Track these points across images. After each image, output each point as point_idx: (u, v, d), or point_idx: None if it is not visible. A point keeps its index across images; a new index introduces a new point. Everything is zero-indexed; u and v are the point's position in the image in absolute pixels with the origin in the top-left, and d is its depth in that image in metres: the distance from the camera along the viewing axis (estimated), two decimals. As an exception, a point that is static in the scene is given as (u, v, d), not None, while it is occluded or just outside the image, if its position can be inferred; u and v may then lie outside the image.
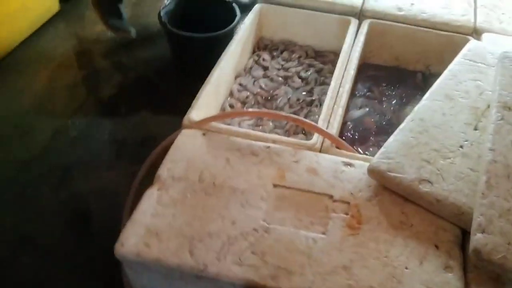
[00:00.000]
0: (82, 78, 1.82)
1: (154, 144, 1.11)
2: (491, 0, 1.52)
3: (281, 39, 1.62)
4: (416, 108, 1.04)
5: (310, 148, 1.03)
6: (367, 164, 0.95)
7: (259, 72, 1.51)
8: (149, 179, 0.98)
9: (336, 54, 1.57)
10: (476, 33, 1.40)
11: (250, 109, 1.25)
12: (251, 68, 1.52)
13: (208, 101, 1.24)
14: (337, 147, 1.04)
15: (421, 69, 1.51)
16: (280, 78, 1.49)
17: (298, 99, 1.42)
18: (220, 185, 0.93)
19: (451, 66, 1.16)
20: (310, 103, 1.39)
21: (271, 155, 1.00)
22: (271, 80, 1.49)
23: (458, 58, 1.18)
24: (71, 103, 1.71)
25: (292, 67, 1.53)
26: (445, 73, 1.14)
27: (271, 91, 1.45)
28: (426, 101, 1.05)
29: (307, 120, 1.04)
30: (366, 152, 1.24)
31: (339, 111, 1.14)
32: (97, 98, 1.74)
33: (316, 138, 1.05)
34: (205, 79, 1.23)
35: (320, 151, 1.04)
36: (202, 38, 1.60)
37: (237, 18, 1.69)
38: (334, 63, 1.54)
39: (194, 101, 1.18)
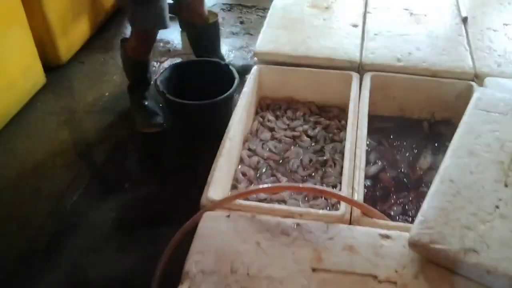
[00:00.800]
0: (78, 155, 1.76)
1: (166, 221, 1.06)
2: (484, 42, 1.55)
3: (283, 97, 1.61)
4: (442, 168, 1.02)
5: (340, 220, 0.99)
6: (405, 234, 0.91)
7: (266, 134, 1.48)
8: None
9: (340, 108, 1.57)
10: (477, 77, 1.41)
11: (271, 185, 1.21)
12: (257, 130, 1.50)
13: (222, 174, 1.20)
14: (368, 215, 1.01)
15: (426, 117, 1.51)
16: (288, 139, 1.46)
17: (310, 160, 1.39)
18: (255, 275, 0.87)
19: (465, 118, 1.15)
20: (324, 163, 1.37)
21: (303, 233, 0.95)
22: (280, 141, 1.46)
23: (470, 109, 1.18)
24: (69, 183, 1.63)
25: (299, 125, 1.51)
26: (462, 126, 1.13)
27: (281, 154, 1.42)
28: (451, 159, 1.03)
29: (333, 191, 1.01)
30: (391, 212, 1.21)
31: (361, 175, 1.11)
32: (97, 175, 1.68)
33: (344, 208, 1.01)
34: (208, 145, 1.19)
35: (350, 222, 1.00)
36: (203, 105, 1.57)
37: (236, 81, 1.67)
38: (339, 118, 1.54)
39: (209, 177, 1.14)
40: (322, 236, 0.94)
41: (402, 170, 1.35)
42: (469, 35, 1.58)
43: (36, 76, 2.09)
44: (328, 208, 1.15)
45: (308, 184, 1.07)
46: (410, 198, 1.26)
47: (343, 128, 1.49)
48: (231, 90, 1.63)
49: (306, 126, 1.50)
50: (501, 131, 1.10)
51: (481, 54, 1.48)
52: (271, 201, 1.22)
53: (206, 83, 1.69)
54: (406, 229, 0.94)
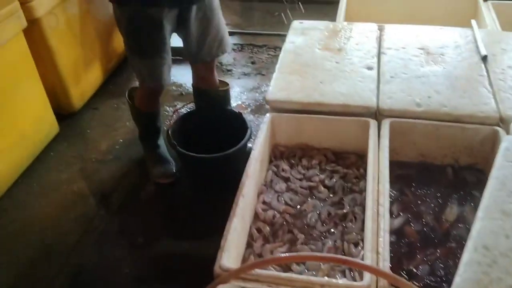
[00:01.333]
0: (91, 207, 1.72)
1: (179, 280, 1.00)
2: (507, 82, 1.48)
3: (297, 144, 1.55)
4: (474, 232, 0.94)
5: (364, 292, 0.92)
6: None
7: (281, 185, 1.42)
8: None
9: (358, 155, 1.51)
10: (503, 122, 1.34)
11: (290, 254, 1.12)
12: (271, 181, 1.44)
13: (235, 236, 1.14)
14: (395, 286, 0.93)
15: (450, 162, 1.43)
16: (305, 190, 1.40)
17: (329, 213, 1.32)
18: None
19: (495, 173, 1.08)
20: (344, 217, 1.30)
21: (325, 307, 0.88)
22: (295, 193, 1.40)
23: (499, 161, 1.10)
24: (83, 237, 1.60)
25: (315, 175, 1.44)
26: (492, 181, 1.06)
27: (298, 207, 1.35)
28: (483, 221, 0.95)
29: (356, 261, 0.94)
30: (418, 272, 1.13)
31: (386, 238, 1.04)
32: (109, 229, 1.63)
33: (369, 278, 0.94)
34: (222, 195, 1.13)
35: (377, 293, 0.93)
36: (216, 158, 1.52)
37: (249, 131, 1.63)
38: (357, 166, 1.47)
39: (222, 240, 1.08)
40: (346, 311, 0.87)
41: (428, 223, 1.27)
42: (490, 75, 1.52)
43: (48, 126, 2.09)
44: (352, 273, 1.08)
45: (330, 254, 0.99)
46: (438, 255, 1.18)
47: (362, 177, 1.43)
48: (243, 142, 1.58)
49: (322, 176, 1.44)
50: (534, 185, 1.03)
51: (505, 96, 1.41)
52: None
53: (219, 131, 1.65)
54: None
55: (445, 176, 1.42)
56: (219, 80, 1.98)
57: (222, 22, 1.80)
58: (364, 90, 1.50)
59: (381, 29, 1.86)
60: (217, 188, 1.17)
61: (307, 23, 1.92)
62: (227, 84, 1.99)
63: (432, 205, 1.32)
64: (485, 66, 1.56)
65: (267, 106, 1.54)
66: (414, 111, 1.41)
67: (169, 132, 1.60)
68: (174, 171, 1.83)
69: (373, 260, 0.99)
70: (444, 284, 1.11)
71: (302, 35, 1.84)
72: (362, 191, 1.37)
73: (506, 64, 1.56)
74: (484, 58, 1.59)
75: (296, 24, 1.92)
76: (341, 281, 0.96)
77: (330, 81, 1.55)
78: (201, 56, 1.80)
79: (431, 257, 1.17)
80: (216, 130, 1.69)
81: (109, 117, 2.26)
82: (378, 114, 1.44)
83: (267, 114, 1.50)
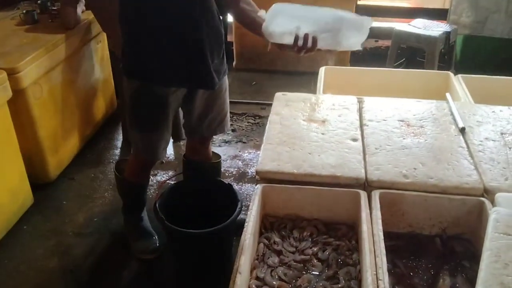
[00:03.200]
0: (69, 287, 1.61)
1: None
2: (486, 154, 1.55)
3: (286, 214, 1.55)
4: (479, 307, 0.94)
5: None
6: None
7: (274, 259, 1.39)
8: None
9: (348, 225, 1.51)
10: (487, 193, 1.39)
11: None
12: (263, 255, 1.41)
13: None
14: None
15: (437, 232, 1.45)
16: (299, 264, 1.37)
17: (325, 289, 1.29)
18: None
19: (488, 244, 1.10)
20: (340, 293, 1.27)
21: None
22: (289, 267, 1.37)
23: (490, 233, 1.13)
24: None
25: (307, 248, 1.43)
26: (486, 254, 1.07)
27: (292, 282, 1.32)
28: (486, 296, 0.95)
29: None
30: None
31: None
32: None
33: None
34: (212, 276, 1.09)
35: None
36: (206, 233, 1.47)
37: (239, 204, 1.61)
38: (348, 237, 1.47)
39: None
40: None
41: (423, 296, 1.26)
42: (470, 146, 1.59)
43: (23, 197, 2.00)
44: None
45: None
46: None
47: (355, 249, 1.42)
48: (234, 216, 1.56)
49: (315, 249, 1.42)
50: (529, 257, 1.05)
51: (486, 167, 1.47)
52: None
53: (208, 203, 1.62)
54: None
55: (434, 246, 1.43)
56: (212, 152, 1.97)
57: (227, 103, 1.80)
58: (351, 161, 1.53)
59: (360, 101, 1.94)
60: (207, 264, 1.13)
61: (290, 95, 1.99)
62: (219, 156, 1.98)
63: (425, 277, 1.32)
64: (464, 138, 1.64)
65: (257, 177, 1.54)
66: (403, 182, 1.44)
67: (157, 205, 1.56)
68: (158, 245, 1.76)
69: None
70: None
71: (286, 106, 1.89)
72: (356, 264, 1.36)
73: (483, 135, 1.64)
74: (462, 130, 1.67)
75: (279, 95, 1.97)
76: None
77: (318, 152, 1.58)
78: (200, 131, 1.77)
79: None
80: (205, 202, 1.66)
81: (86, 188, 2.19)
82: (366, 185, 1.46)
83: (258, 186, 1.49)
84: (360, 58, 3.64)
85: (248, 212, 1.40)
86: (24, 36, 2.21)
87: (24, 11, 2.40)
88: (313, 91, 2.40)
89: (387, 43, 3.81)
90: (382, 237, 1.26)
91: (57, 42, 2.17)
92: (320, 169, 1.50)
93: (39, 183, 2.14)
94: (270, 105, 1.86)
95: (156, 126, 1.61)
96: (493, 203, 1.35)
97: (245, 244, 1.26)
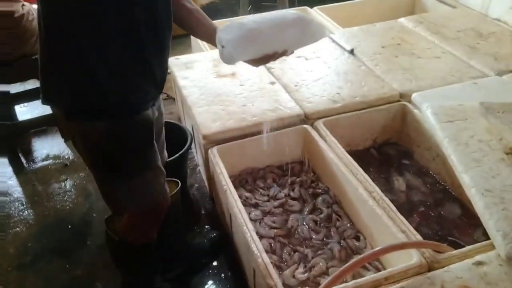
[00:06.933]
0: None
1: None
2: (382, 66, 1.76)
3: (243, 170, 1.57)
4: (467, 181, 1.14)
5: (420, 270, 1.02)
6: (491, 253, 1.01)
7: (256, 212, 1.41)
8: None
9: (299, 162, 1.60)
10: (402, 97, 1.60)
11: (335, 275, 1.05)
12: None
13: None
14: (439, 251, 1.06)
15: (371, 144, 1.66)
16: (279, 209, 1.42)
17: (315, 222, 1.37)
18: None
19: (441, 134, 1.30)
20: (329, 219, 1.38)
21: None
22: (272, 214, 1.41)
23: (438, 124, 1.32)
24: None
25: (278, 192, 1.48)
26: (446, 141, 1.27)
27: (284, 226, 1.37)
28: (468, 172, 1.15)
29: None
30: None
31: (400, 216, 1.16)
32: None
33: (418, 257, 1.05)
34: None
35: (428, 269, 1.03)
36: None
37: (189, 139, 1.58)
38: (305, 171, 1.56)
39: None
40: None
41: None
42: (365, 63, 1.79)
43: None
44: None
45: (369, 252, 1.04)
46: (418, 220, 1.36)
47: (318, 179, 1.53)
48: (184, 150, 1.56)
49: (285, 191, 1.48)
50: (477, 133, 1.28)
51: (389, 76, 1.69)
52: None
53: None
54: (485, 250, 1.04)
55: (372, 157, 1.63)
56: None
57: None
58: (284, 101, 1.59)
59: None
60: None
61: (184, 58, 1.90)
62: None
63: (381, 184, 1.48)
64: (357, 58, 1.84)
65: (204, 142, 1.48)
66: (335, 107, 1.56)
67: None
68: None
69: (408, 238, 1.10)
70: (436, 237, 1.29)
71: (188, 69, 1.82)
72: (326, 191, 1.48)
73: (371, 51, 1.86)
74: (352, 52, 1.87)
75: (173, 60, 1.86)
76: (397, 267, 1.04)
77: (250, 102, 1.59)
78: None
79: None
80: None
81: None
82: (307, 119, 1.55)
83: (212, 149, 1.45)
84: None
85: (219, 176, 1.36)
86: None
87: None
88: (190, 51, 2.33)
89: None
90: (350, 157, 1.38)
91: None
92: (262, 115, 1.52)
93: None
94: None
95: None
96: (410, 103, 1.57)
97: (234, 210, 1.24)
